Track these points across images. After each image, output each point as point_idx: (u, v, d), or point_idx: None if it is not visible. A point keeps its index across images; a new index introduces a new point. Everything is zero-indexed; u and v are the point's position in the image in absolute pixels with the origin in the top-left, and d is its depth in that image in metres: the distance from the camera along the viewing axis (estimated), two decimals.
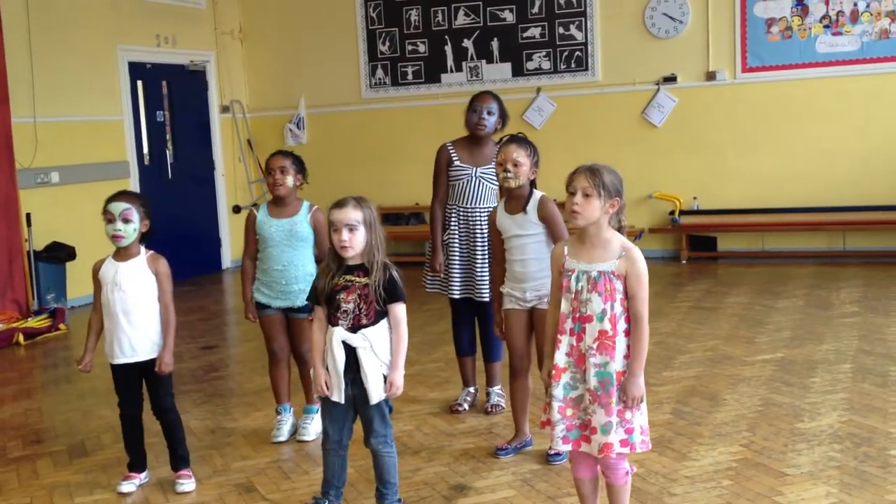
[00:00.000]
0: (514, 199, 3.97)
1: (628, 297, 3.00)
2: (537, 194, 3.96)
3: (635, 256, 3.00)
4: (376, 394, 3.26)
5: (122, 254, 3.80)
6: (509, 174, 3.91)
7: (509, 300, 4.00)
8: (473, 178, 4.62)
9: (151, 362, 3.80)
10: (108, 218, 3.71)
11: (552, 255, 3.22)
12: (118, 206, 3.71)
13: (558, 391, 3.09)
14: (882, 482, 3.57)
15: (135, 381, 3.85)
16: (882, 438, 4.00)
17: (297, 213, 4.33)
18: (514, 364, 4.06)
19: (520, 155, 3.89)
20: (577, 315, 3.04)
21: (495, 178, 4.51)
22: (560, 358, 3.09)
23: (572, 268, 3.06)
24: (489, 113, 4.61)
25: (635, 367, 2.99)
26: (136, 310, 3.76)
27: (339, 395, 3.27)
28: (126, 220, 3.71)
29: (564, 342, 3.08)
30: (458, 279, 4.64)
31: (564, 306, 3.08)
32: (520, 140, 3.98)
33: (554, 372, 3.10)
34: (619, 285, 2.99)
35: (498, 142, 4.63)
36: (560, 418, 3.09)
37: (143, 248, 3.84)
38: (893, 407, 4.40)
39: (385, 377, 3.28)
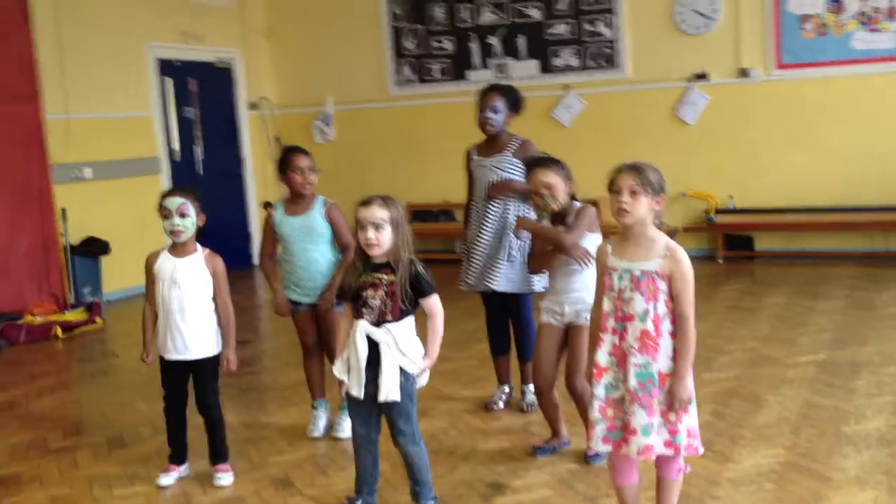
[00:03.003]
0: (556, 219, 3.93)
1: (672, 297, 2.97)
2: (576, 205, 3.90)
3: (680, 257, 2.96)
4: (388, 391, 3.22)
5: (178, 249, 3.79)
6: (547, 199, 3.85)
7: (546, 314, 3.94)
8: (487, 170, 4.59)
9: (201, 361, 3.81)
10: (165, 214, 3.71)
11: (597, 254, 3.19)
12: (174, 201, 3.71)
13: (599, 390, 3.07)
14: None
15: (183, 377, 3.86)
16: None
17: (310, 208, 4.32)
18: (538, 382, 3.98)
19: (549, 177, 3.83)
20: (620, 314, 3.02)
21: (508, 168, 4.52)
22: (602, 357, 3.07)
23: (615, 266, 3.04)
24: (494, 111, 4.56)
25: (682, 368, 2.95)
26: (192, 307, 3.77)
27: (359, 390, 3.26)
28: (183, 215, 3.71)
29: (607, 341, 3.06)
30: (471, 270, 4.61)
31: (607, 305, 3.06)
32: (542, 161, 3.92)
33: (596, 371, 3.08)
34: (662, 285, 2.96)
35: (515, 136, 4.62)
36: (600, 418, 3.07)
37: (199, 246, 3.84)
38: None
39: (406, 376, 3.26)
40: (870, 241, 8.52)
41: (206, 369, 3.83)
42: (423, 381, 3.34)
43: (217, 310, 3.85)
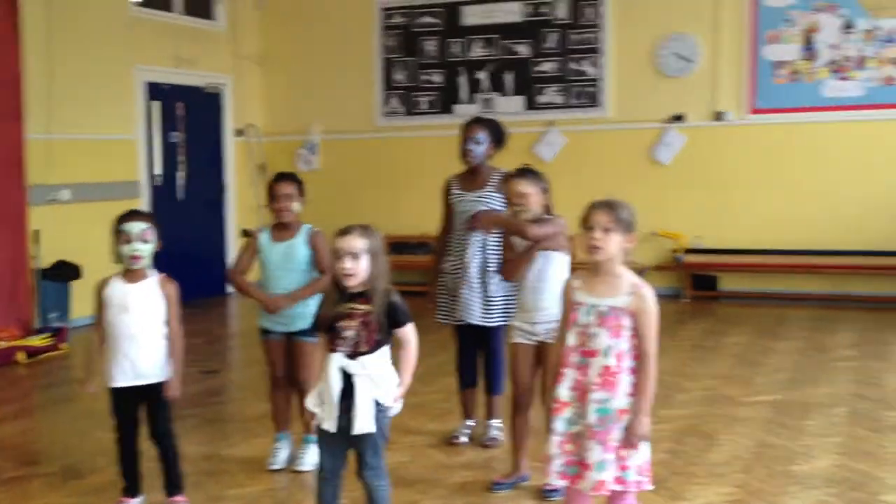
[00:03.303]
0: None
1: (637, 334, 3.03)
2: (547, 217, 3.97)
3: (646, 294, 3.03)
4: (362, 424, 3.21)
5: (131, 275, 3.74)
6: (519, 207, 3.93)
7: (517, 334, 4.00)
8: (467, 203, 4.65)
9: (153, 386, 3.76)
10: (126, 238, 3.66)
11: (564, 288, 3.23)
12: (137, 226, 3.68)
13: (559, 425, 3.11)
14: None
15: (134, 405, 3.80)
16: (875, 484, 4.01)
17: (295, 235, 4.33)
18: (517, 399, 4.04)
19: (523, 186, 3.91)
20: (583, 349, 3.07)
21: (489, 201, 4.59)
22: (563, 392, 3.11)
23: (582, 301, 3.09)
24: (476, 143, 4.63)
25: (642, 405, 3.01)
26: (143, 333, 3.71)
27: (332, 424, 3.25)
28: (145, 241, 3.68)
29: (569, 376, 3.11)
30: (450, 305, 4.66)
31: (571, 340, 3.10)
32: (521, 172, 3.99)
33: (556, 406, 3.12)
34: (627, 322, 3.02)
35: (497, 168, 4.69)
36: (558, 453, 3.11)
37: (152, 271, 3.80)
38: (887, 452, 4.42)
39: (380, 407, 3.26)
40: (829, 284, 8.67)
41: (158, 395, 3.76)
42: (396, 409, 3.34)
43: (168, 335, 3.79)
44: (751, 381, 5.84)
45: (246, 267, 4.44)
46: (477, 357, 4.77)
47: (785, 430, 4.80)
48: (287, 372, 4.42)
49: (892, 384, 5.68)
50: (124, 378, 3.74)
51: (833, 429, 4.81)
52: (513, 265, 4.01)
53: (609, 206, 3.04)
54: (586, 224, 3.05)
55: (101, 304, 3.77)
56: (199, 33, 9.82)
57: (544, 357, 3.90)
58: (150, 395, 3.78)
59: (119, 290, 3.73)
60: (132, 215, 3.76)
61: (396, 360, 3.31)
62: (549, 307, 3.87)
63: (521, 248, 3.99)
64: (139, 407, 3.83)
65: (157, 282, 3.78)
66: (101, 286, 3.78)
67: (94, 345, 3.82)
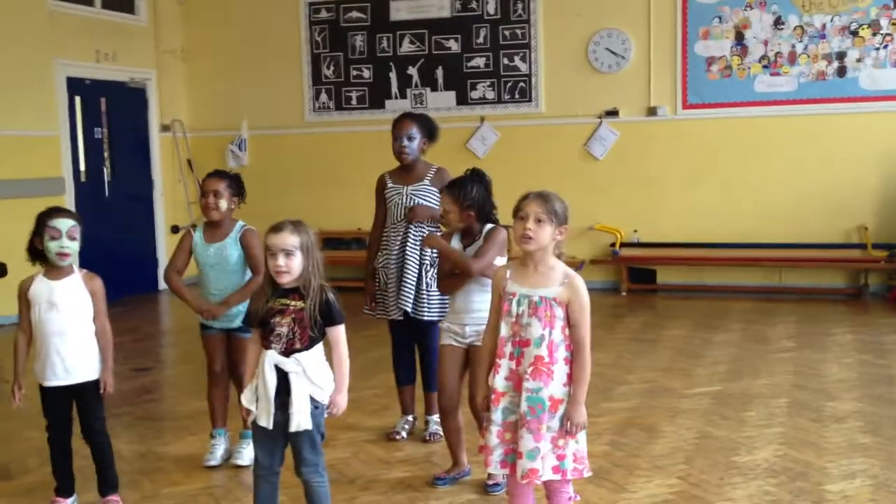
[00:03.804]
0: (466, 236, 3.97)
1: (570, 324, 3.05)
2: (489, 226, 3.95)
3: (578, 284, 3.06)
4: (299, 420, 3.18)
5: (55, 272, 3.68)
6: (444, 221, 4.01)
7: (447, 336, 3.96)
8: (405, 197, 4.62)
9: (84, 384, 3.69)
10: (54, 235, 3.59)
11: (494, 278, 3.24)
12: (66, 223, 3.62)
13: (497, 415, 3.12)
14: None
15: (66, 404, 3.73)
16: (816, 473, 4.05)
17: (228, 235, 4.28)
18: (444, 403, 3.99)
19: (446, 203, 3.93)
20: (517, 339, 3.08)
21: (426, 196, 4.58)
22: (499, 382, 3.12)
23: (514, 291, 3.10)
24: (409, 139, 4.61)
25: (578, 393, 3.04)
26: (72, 330, 3.65)
27: (267, 420, 3.21)
28: (72, 238, 3.62)
29: (504, 366, 3.12)
30: (385, 300, 4.62)
31: (504, 330, 3.11)
32: (448, 187, 3.99)
33: (493, 396, 3.13)
34: (559, 312, 3.03)
35: (431, 164, 4.70)
36: (498, 442, 3.12)
37: (75, 267, 3.74)
38: (827, 442, 4.47)
39: (315, 404, 3.22)
40: (766, 276, 8.84)
41: (89, 393, 3.71)
42: (337, 413, 3.28)
43: (96, 331, 3.73)
44: (691, 373, 5.89)
45: (182, 266, 4.37)
46: (414, 353, 4.74)
47: (726, 422, 4.84)
48: (226, 366, 4.38)
49: (831, 374, 5.77)
50: (55, 377, 3.67)
51: (774, 419, 4.86)
52: (451, 284, 3.97)
53: (542, 197, 3.08)
54: (519, 214, 3.08)
55: (25, 304, 3.69)
56: (121, 28, 9.60)
57: (473, 359, 3.85)
58: (81, 393, 3.71)
59: (45, 288, 3.67)
60: (60, 212, 3.70)
61: (327, 356, 3.27)
62: (479, 309, 3.85)
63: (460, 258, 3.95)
64: (70, 406, 3.75)
65: (82, 278, 3.72)
66: (26, 285, 3.71)
67: (19, 347, 3.72)
